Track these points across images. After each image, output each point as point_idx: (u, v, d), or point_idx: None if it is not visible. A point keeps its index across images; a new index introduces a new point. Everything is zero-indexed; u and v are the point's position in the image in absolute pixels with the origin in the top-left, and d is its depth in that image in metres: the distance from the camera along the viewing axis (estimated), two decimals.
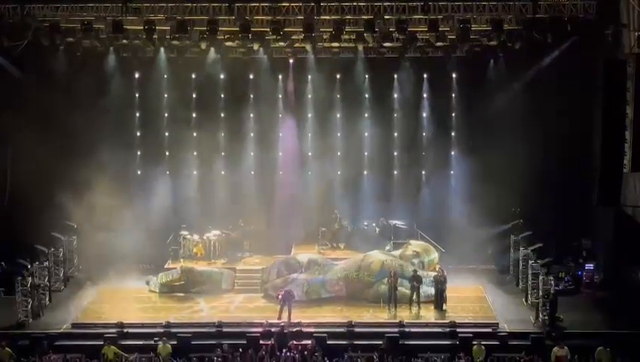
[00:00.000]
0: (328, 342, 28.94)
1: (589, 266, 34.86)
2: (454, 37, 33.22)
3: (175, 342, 28.75)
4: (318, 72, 37.23)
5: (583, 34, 32.71)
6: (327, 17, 32.90)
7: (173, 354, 28.11)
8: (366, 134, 38.23)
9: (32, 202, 35.69)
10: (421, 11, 32.28)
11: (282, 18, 32.73)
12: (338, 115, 38.36)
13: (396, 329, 29.83)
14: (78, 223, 35.60)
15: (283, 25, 32.80)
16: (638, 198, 33.14)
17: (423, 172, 38.36)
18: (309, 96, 38.22)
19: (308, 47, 34.23)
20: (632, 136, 32.42)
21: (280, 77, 38.06)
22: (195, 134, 37.95)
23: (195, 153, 38.26)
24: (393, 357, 27.54)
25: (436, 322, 30.96)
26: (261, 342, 28.71)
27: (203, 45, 34.15)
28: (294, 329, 29.65)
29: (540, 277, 31.14)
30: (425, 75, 37.77)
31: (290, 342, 28.37)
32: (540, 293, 30.87)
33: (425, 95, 38.06)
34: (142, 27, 32.67)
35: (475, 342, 28.29)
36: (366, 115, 38.13)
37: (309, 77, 37.78)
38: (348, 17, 32.84)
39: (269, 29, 32.85)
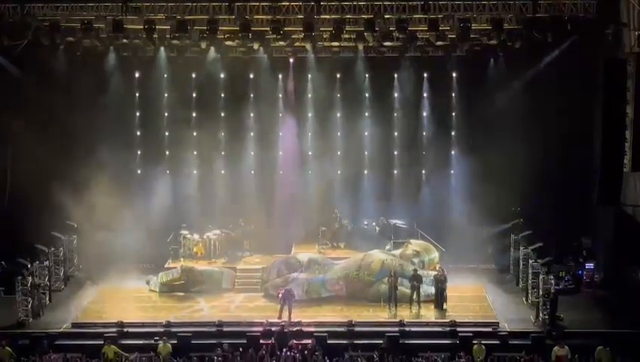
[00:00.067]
0: (328, 342, 28.94)
1: (590, 265, 34.86)
2: (454, 36, 33.21)
3: (175, 342, 28.76)
4: (318, 71, 37.23)
5: (583, 33, 32.71)
6: (328, 16, 32.90)
7: (174, 353, 28.10)
8: (366, 133, 38.22)
9: (32, 201, 35.71)
10: (421, 10, 32.27)
11: (282, 17, 32.73)
12: (338, 115, 38.35)
13: (396, 329, 29.84)
14: (79, 223, 35.61)
15: (283, 24, 32.79)
16: (638, 198, 33.13)
17: (423, 171, 38.35)
18: (309, 95, 38.22)
19: (308, 46, 34.23)
20: (633, 135, 32.41)
21: (280, 76, 38.05)
22: (195, 133, 37.95)
23: (195, 152, 38.26)
24: (393, 357, 27.53)
25: (436, 321, 30.97)
26: (261, 341, 28.71)
27: (203, 44, 34.15)
28: (295, 329, 29.66)
29: (541, 277, 31.14)
30: (425, 75, 37.76)
31: (291, 342, 28.36)
32: (541, 293, 30.88)
33: (425, 94, 38.05)
34: (142, 26, 32.67)
35: (475, 342, 28.29)
36: (366, 114, 38.12)
37: (309, 76, 37.77)
38: (348, 16, 32.83)
39: (269, 29, 32.85)
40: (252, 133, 38.33)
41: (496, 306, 32.13)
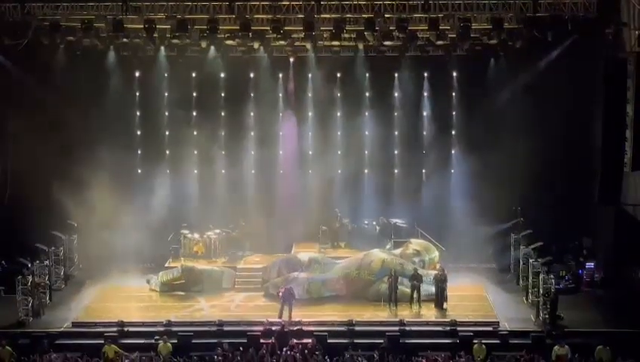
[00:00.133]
0: (329, 341, 28.93)
1: (590, 265, 34.86)
2: (455, 35, 33.20)
3: (176, 341, 28.75)
4: (319, 70, 37.22)
5: (583, 32, 32.69)
6: (328, 16, 32.90)
7: (174, 352, 28.07)
8: (366, 133, 38.20)
9: (32, 201, 35.70)
10: (421, 10, 32.29)
11: (282, 17, 32.73)
12: (338, 114, 38.34)
13: (397, 328, 29.83)
14: (79, 222, 35.62)
15: (283, 23, 32.80)
16: (638, 197, 33.09)
17: (424, 170, 38.34)
18: (310, 94, 38.20)
19: (308, 45, 34.25)
20: (633, 134, 32.43)
21: (280, 75, 38.04)
22: (195, 133, 37.93)
23: (195, 152, 38.25)
24: (394, 356, 27.51)
25: (437, 321, 30.96)
26: (262, 340, 28.69)
27: (203, 44, 34.14)
28: (295, 328, 29.63)
29: (541, 276, 31.13)
30: (425, 74, 37.74)
31: (291, 341, 28.34)
32: (541, 292, 30.87)
33: (425, 94, 38.04)
34: (142, 26, 32.64)
35: (475, 341, 28.29)
36: (366, 113, 38.09)
37: (310, 75, 37.75)
38: (348, 16, 32.83)
39: (269, 28, 32.86)
40: (252, 133, 38.32)
41: (496, 305, 32.11)
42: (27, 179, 35.81)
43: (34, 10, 32.63)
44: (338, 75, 37.80)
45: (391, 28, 32.76)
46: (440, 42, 33.40)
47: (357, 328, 30.03)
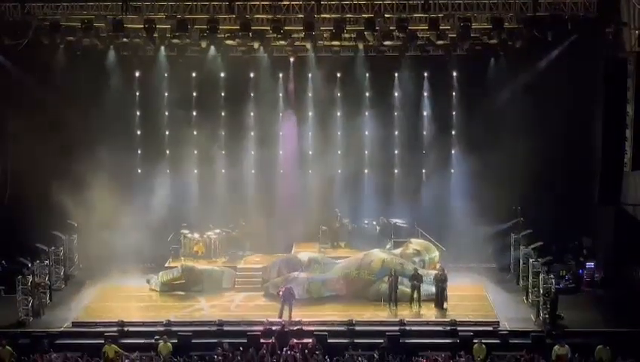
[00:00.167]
0: (329, 341, 28.93)
1: (590, 265, 34.86)
2: (455, 35, 33.21)
3: (176, 341, 28.75)
4: (319, 70, 37.23)
5: (583, 32, 32.72)
6: (328, 16, 32.90)
7: (174, 352, 28.07)
8: (366, 133, 38.19)
9: (32, 201, 35.74)
10: (421, 10, 32.29)
11: (282, 16, 32.74)
12: (338, 114, 38.33)
13: (397, 328, 29.82)
14: (79, 222, 35.62)
15: (283, 23, 32.81)
16: (638, 197, 33.09)
17: (424, 170, 38.33)
18: (310, 94, 38.20)
19: (308, 45, 34.25)
20: (633, 134, 32.42)
21: (280, 75, 38.04)
22: (195, 133, 37.92)
23: (195, 151, 38.25)
24: (394, 356, 27.52)
25: (437, 320, 30.96)
26: (262, 340, 28.69)
27: (203, 44, 34.15)
28: (295, 328, 29.63)
29: (541, 276, 31.12)
30: (425, 74, 37.74)
31: (291, 341, 28.34)
32: (541, 292, 30.86)
33: (425, 93, 38.04)
34: (142, 26, 32.65)
35: (475, 341, 28.28)
36: (366, 113, 38.08)
37: (310, 75, 37.75)
38: (348, 16, 32.84)
39: (269, 28, 32.87)
40: (252, 133, 38.31)
41: (496, 305, 32.11)
42: (27, 179, 35.84)
43: (34, 10, 32.63)
44: (338, 74, 37.80)
45: (391, 28, 32.77)
46: (440, 42, 33.41)
47: (357, 328, 30.03)
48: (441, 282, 32.08)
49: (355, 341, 29.08)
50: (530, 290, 32.16)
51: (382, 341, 28.62)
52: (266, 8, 32.73)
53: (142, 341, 29.12)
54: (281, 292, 31.34)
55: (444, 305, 31.87)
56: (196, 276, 34.11)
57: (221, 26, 32.94)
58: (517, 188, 35.74)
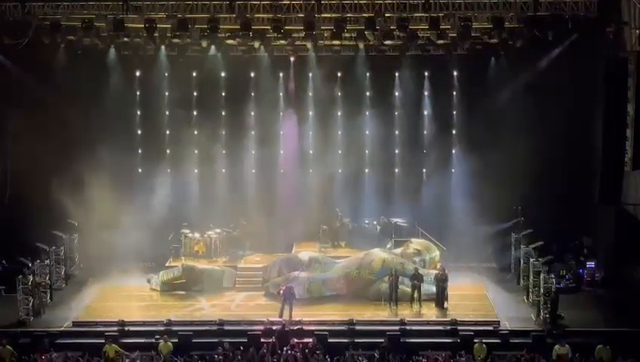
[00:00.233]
0: (329, 340, 28.91)
1: (590, 264, 34.85)
2: (455, 35, 33.20)
3: (176, 340, 28.73)
4: (319, 69, 37.25)
5: (584, 32, 32.75)
6: (328, 15, 32.92)
7: (175, 352, 28.05)
8: (367, 132, 38.20)
9: (32, 200, 35.73)
10: (422, 9, 32.29)
11: (283, 16, 32.75)
12: (339, 113, 38.34)
13: (397, 327, 29.80)
14: (79, 221, 35.63)
15: (284, 23, 32.81)
16: (639, 196, 33.10)
17: (424, 170, 38.33)
18: (310, 94, 38.20)
19: (309, 44, 34.25)
20: (634, 134, 32.41)
21: (281, 75, 38.05)
22: (195, 132, 37.93)
23: (195, 151, 38.26)
24: (394, 355, 27.50)
25: (437, 320, 30.95)
26: (262, 340, 28.68)
27: (204, 43, 34.16)
28: (295, 328, 29.63)
29: (541, 275, 31.13)
30: (426, 73, 37.75)
31: (292, 340, 28.34)
32: (541, 291, 30.87)
33: (426, 93, 38.05)
34: (143, 25, 32.66)
35: (476, 340, 28.26)
36: (367, 112, 38.09)
37: (310, 75, 37.76)
38: (349, 15, 32.84)
39: (269, 27, 32.87)
40: (253, 132, 38.32)
41: (497, 305, 32.10)
42: (27, 178, 35.85)
43: (34, 9, 32.64)
44: (339, 74, 37.81)
45: (391, 27, 32.77)
46: (441, 41, 33.40)
47: (357, 327, 30.02)
48: (441, 281, 32.08)
49: (356, 340, 29.07)
50: (530, 290, 32.16)
51: (382, 340, 28.61)
52: (266, 8, 32.75)
53: (142, 340, 29.10)
54: (281, 291, 31.34)
55: (445, 305, 31.86)
56: (197, 275, 34.10)
57: (222, 26, 32.95)
58: (517, 187, 35.75)
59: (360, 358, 27.44)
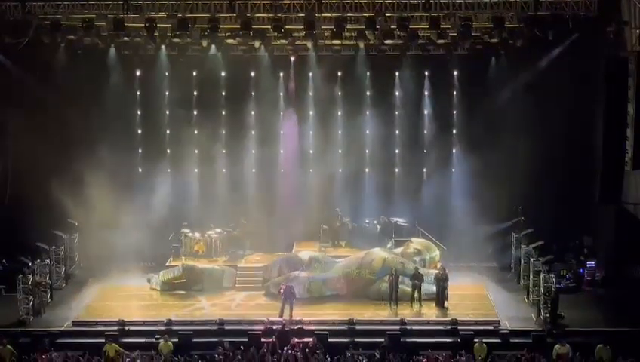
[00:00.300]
0: (330, 340, 28.90)
1: (591, 264, 34.85)
2: (456, 34, 33.20)
3: (176, 340, 28.74)
4: (320, 69, 37.24)
5: (584, 31, 32.71)
6: (329, 15, 32.90)
7: (175, 351, 28.04)
8: (367, 132, 38.18)
9: (33, 200, 35.72)
10: (422, 9, 32.25)
11: (283, 15, 32.72)
12: (339, 113, 38.32)
13: (397, 327, 29.80)
14: (79, 221, 35.65)
15: (284, 22, 32.79)
16: (639, 196, 33.10)
17: (425, 170, 38.31)
18: (310, 93, 38.18)
19: (309, 44, 34.23)
20: (634, 133, 32.39)
21: (281, 74, 38.03)
22: (196, 132, 37.92)
23: (196, 151, 38.25)
24: (394, 355, 27.48)
25: (437, 320, 30.96)
26: (262, 339, 28.68)
27: (204, 43, 34.15)
28: (296, 327, 29.63)
29: (542, 275, 31.13)
30: (426, 73, 37.73)
31: (292, 340, 28.34)
32: (542, 291, 30.87)
33: (426, 92, 38.03)
34: (143, 25, 32.63)
35: (476, 340, 28.26)
36: (367, 112, 38.07)
37: (310, 74, 37.74)
38: (349, 15, 32.80)
39: (270, 27, 32.85)
40: (253, 132, 38.30)
41: (497, 304, 32.10)
42: (28, 178, 35.85)
43: (35, 9, 32.59)
44: (339, 73, 37.80)
45: (392, 27, 32.75)
46: (441, 41, 33.40)
47: (358, 327, 30.02)
48: (441, 281, 32.08)
49: (356, 340, 29.07)
50: (530, 289, 32.16)
51: (382, 340, 28.62)
52: (266, 7, 32.72)
53: (142, 340, 29.08)
54: (281, 291, 31.34)
55: (445, 304, 31.87)
56: (197, 275, 34.10)
57: (222, 25, 32.93)
58: (518, 187, 35.74)
59: (360, 358, 27.42)
